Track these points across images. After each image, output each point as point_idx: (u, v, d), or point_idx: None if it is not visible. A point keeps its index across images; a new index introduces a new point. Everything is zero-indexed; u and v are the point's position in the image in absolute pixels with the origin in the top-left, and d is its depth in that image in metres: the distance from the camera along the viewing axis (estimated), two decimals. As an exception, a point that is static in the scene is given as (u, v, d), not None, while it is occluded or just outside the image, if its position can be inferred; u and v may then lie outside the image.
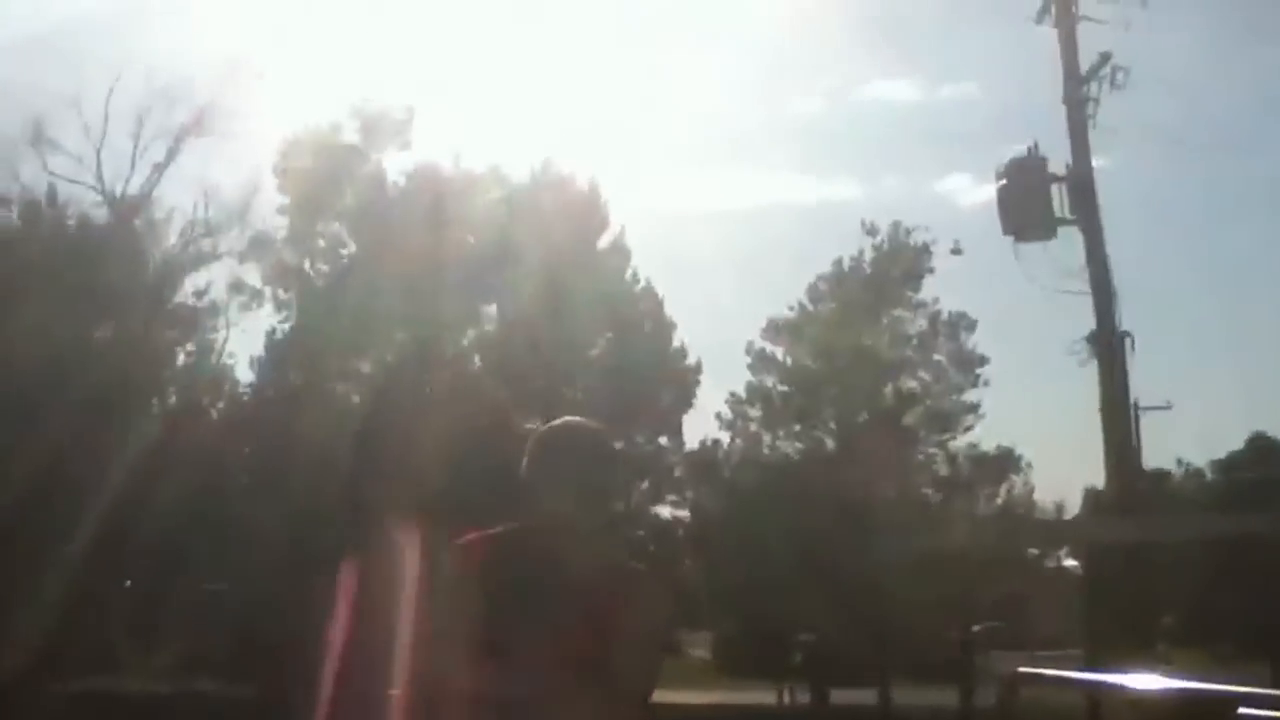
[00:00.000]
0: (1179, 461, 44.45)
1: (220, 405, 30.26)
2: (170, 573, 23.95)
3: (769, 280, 51.35)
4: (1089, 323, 21.63)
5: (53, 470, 22.52)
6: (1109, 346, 21.27)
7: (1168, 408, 31.51)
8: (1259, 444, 40.61)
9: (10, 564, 21.86)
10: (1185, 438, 47.07)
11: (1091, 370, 21.59)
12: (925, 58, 58.51)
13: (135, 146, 30.13)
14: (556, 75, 49.86)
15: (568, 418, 3.73)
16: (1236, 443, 41.91)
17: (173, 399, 29.62)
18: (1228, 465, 41.45)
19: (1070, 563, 42.86)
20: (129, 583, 17.44)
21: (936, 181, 67.43)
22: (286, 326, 30.49)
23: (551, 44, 48.51)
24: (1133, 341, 21.53)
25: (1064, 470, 69.89)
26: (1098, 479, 27.52)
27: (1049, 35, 22.71)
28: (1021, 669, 8.12)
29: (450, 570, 3.55)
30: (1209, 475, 43.77)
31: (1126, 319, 21.65)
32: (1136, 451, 22.03)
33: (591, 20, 49.51)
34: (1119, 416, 21.21)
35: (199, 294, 30.58)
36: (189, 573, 23.99)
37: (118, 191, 30.31)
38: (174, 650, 24.04)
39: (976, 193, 51.95)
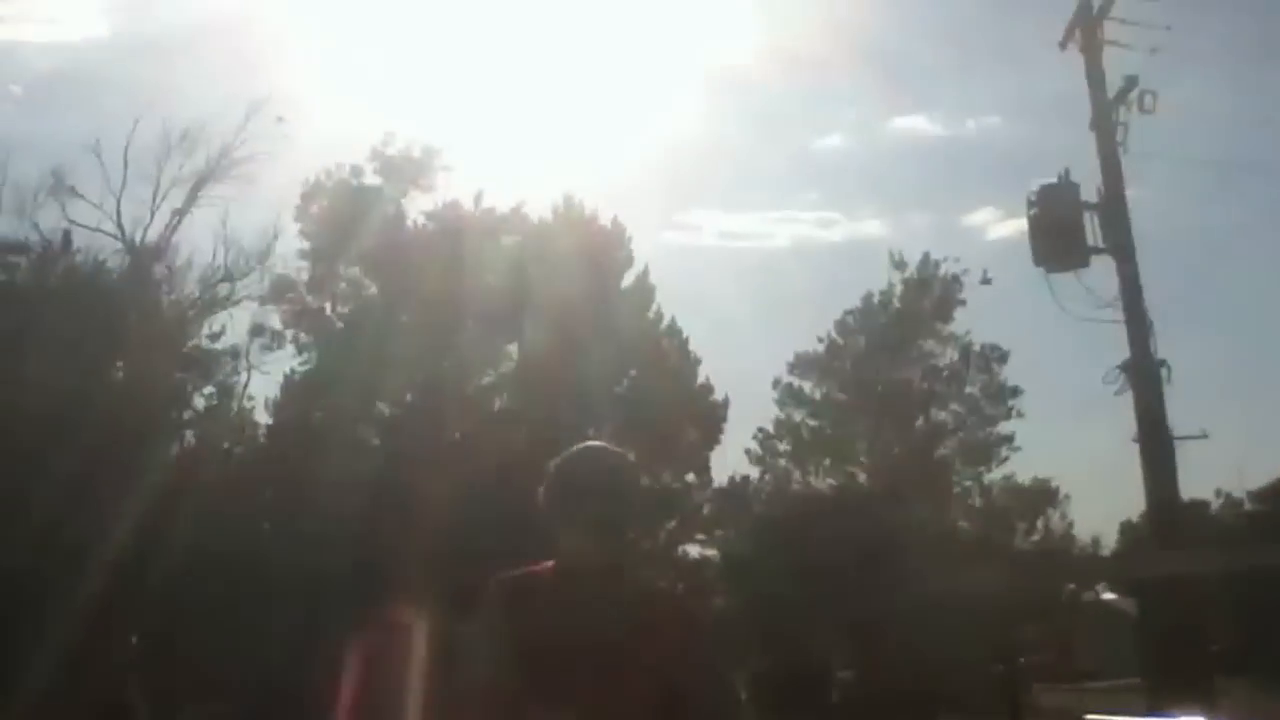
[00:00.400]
0: (1218, 492, 43.70)
1: (239, 448, 29.98)
2: (186, 620, 23.54)
3: (794, 317, 50.99)
4: (1123, 352, 21.11)
5: (69, 514, 22.23)
6: (1145, 376, 20.72)
7: (1204, 437, 30.84)
8: (1299, 472, 39.80)
9: (23, 608, 21.52)
10: (1223, 467, 46.32)
11: (1127, 400, 21.04)
12: (949, 92, 58.40)
13: (155, 193, 30.07)
14: (578, 114, 49.80)
15: (586, 444, 3.58)
16: (1276, 471, 41.16)
17: (191, 442, 29.37)
18: (1267, 494, 40.66)
19: (1109, 595, 42.24)
20: (135, 639, 17.07)
21: (964, 216, 67.13)
22: (306, 369, 30.27)
23: (574, 83, 48.47)
24: (1169, 370, 20.97)
25: (1101, 502, 69.06)
26: (1135, 511, 26.92)
27: (1073, 68, 22.16)
28: (1088, 716, 7.72)
29: (478, 616, 3.43)
30: (1248, 505, 43.00)
31: (1162, 348, 21.11)
32: (1174, 482, 21.38)
33: (614, 59, 49.44)
34: (1156, 447, 20.61)
35: (213, 336, 30.39)
36: (206, 620, 23.53)
37: (137, 238, 30.23)
38: (191, 710, 23.50)
39: (1004, 226, 51.52)
